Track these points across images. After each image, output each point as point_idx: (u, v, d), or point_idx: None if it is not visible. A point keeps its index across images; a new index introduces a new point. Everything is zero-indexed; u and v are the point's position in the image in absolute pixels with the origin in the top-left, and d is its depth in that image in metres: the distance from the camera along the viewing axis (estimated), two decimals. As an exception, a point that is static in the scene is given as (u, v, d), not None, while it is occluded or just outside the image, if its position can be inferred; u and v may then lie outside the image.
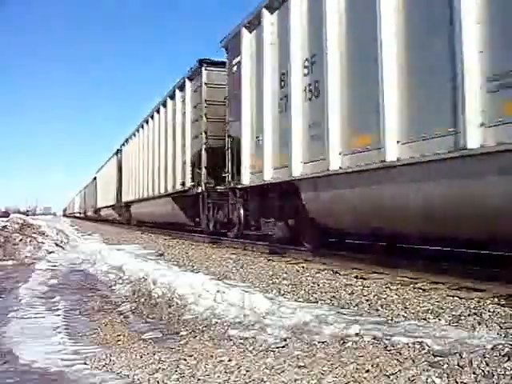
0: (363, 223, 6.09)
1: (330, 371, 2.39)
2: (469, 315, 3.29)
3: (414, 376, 2.22)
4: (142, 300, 4.61)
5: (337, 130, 5.97)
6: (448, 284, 4.43)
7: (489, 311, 3.37)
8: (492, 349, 2.38)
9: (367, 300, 4.03)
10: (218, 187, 10.90)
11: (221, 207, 10.79)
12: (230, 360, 2.70)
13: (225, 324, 3.49)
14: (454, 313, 3.39)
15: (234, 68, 9.29)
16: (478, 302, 3.68)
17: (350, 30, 5.86)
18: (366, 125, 5.46)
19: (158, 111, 16.55)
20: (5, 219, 11.59)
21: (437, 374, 2.19)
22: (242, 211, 9.20)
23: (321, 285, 4.85)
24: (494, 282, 4.22)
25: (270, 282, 5.21)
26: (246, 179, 8.78)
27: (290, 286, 4.85)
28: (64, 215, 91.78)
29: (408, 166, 4.90)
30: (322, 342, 2.84)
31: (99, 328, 3.68)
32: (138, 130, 20.29)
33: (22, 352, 3.06)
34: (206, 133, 11.68)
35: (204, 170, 11.59)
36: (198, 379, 2.45)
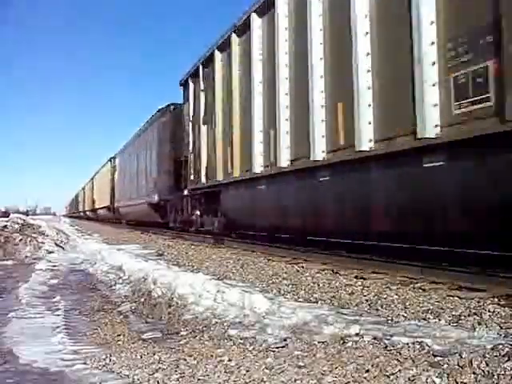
0: None
1: (330, 371, 2.39)
2: (469, 315, 3.29)
3: (413, 376, 2.22)
4: (142, 300, 4.61)
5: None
6: (448, 284, 4.43)
7: (489, 311, 3.37)
8: (492, 349, 2.38)
9: (367, 300, 4.03)
10: None
11: None
12: (229, 360, 2.70)
13: (225, 324, 3.49)
14: (454, 313, 3.39)
15: None
16: (478, 302, 3.68)
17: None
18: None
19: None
20: (5, 219, 11.61)
21: (437, 374, 2.19)
22: None
23: (321, 285, 4.85)
24: (494, 282, 4.22)
25: (270, 281, 5.21)
26: None
27: (290, 286, 4.85)
28: (67, 215, 78.00)
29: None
30: (322, 342, 2.84)
31: (99, 328, 3.68)
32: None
33: (22, 352, 3.06)
34: None
35: None
36: (198, 379, 2.44)
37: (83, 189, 48.15)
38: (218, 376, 2.46)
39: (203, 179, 11.22)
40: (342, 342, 2.81)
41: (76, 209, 58.69)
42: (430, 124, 4.79)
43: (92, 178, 39.10)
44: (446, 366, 2.26)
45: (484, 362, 2.22)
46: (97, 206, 33.87)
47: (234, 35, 9.71)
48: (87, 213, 43.64)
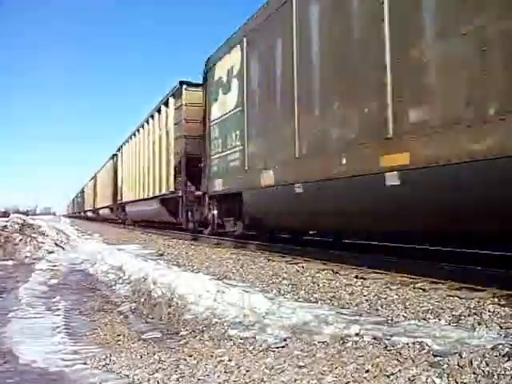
0: None
1: (330, 371, 2.39)
2: (469, 315, 3.29)
3: (413, 376, 2.22)
4: (142, 300, 4.61)
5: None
6: (448, 284, 4.43)
7: (489, 311, 3.37)
8: (492, 349, 2.38)
9: (367, 300, 4.03)
10: None
11: None
12: (229, 360, 2.70)
13: (225, 324, 3.49)
14: (454, 313, 3.39)
15: None
16: (478, 302, 3.68)
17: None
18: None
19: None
20: (5, 219, 11.60)
21: (437, 374, 2.19)
22: None
23: (321, 285, 4.85)
24: (494, 282, 4.21)
25: (270, 281, 5.21)
26: None
27: (290, 286, 4.85)
28: (67, 216, 71.23)
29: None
30: (322, 342, 2.84)
31: (99, 328, 3.68)
32: None
33: (21, 352, 3.06)
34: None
35: None
36: (198, 379, 2.44)
37: (93, 178, 34.32)
38: (218, 376, 2.47)
39: None
40: (341, 341, 2.80)
41: (81, 207, 43.20)
42: None
43: (113, 156, 24.96)
44: (445, 366, 2.26)
45: (484, 362, 2.22)
46: (126, 199, 20.25)
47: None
48: (100, 212, 30.35)
